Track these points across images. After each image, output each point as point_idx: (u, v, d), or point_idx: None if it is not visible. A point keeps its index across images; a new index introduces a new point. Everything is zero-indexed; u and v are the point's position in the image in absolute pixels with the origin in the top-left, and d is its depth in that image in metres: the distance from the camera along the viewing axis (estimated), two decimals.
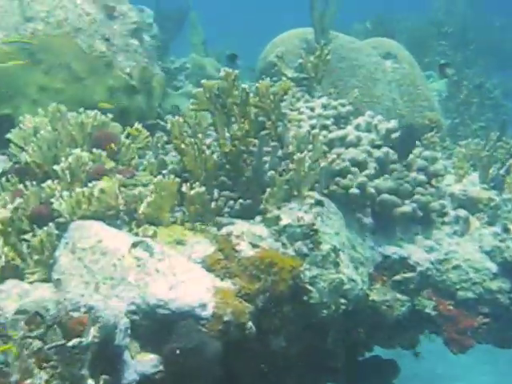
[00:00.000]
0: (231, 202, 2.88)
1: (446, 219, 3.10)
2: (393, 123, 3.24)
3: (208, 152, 2.72)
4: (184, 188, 2.66)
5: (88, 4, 3.46)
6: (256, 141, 2.92)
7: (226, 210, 2.87)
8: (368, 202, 2.99)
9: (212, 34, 9.95)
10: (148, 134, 3.28)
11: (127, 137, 3.21)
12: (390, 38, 5.12)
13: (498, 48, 10.67)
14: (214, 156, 2.74)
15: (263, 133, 2.79)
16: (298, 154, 2.70)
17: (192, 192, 2.66)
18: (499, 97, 8.68)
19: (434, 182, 3.15)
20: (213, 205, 2.83)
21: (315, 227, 2.66)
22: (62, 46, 3.33)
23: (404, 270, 2.94)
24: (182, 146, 2.73)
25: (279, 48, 4.16)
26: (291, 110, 3.53)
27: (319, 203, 2.76)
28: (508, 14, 11.18)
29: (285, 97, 3.51)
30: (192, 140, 2.74)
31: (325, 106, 3.44)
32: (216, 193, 2.91)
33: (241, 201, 2.85)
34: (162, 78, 4.03)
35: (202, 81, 2.85)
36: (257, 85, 3.10)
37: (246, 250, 2.50)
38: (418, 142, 3.32)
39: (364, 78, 4.08)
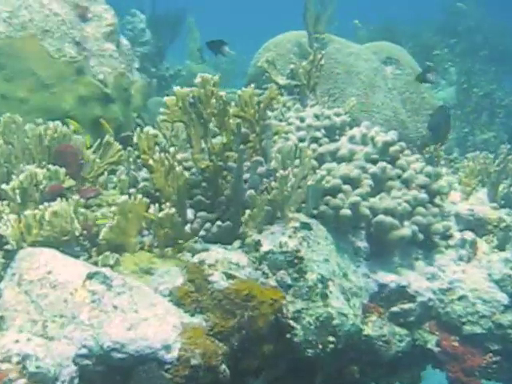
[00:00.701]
0: (208, 225, 2.60)
1: (451, 242, 2.80)
2: (391, 135, 2.96)
3: (179, 169, 2.44)
4: (151, 210, 2.38)
5: (57, 4, 3.19)
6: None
7: (202, 233, 2.60)
8: (362, 224, 2.70)
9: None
10: (121, 147, 3.00)
11: (97, 149, 2.94)
12: (395, 43, 4.86)
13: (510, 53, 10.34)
14: (186, 173, 2.45)
15: (243, 147, 2.50)
16: (281, 171, 2.41)
17: (160, 214, 2.38)
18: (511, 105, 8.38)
19: (437, 200, 2.85)
20: (187, 228, 2.56)
21: (300, 254, 2.37)
22: (26, 50, 3.07)
23: (403, 301, 2.64)
24: (151, 161, 2.45)
25: (270, 52, 3.89)
26: (280, 120, 3.25)
27: (306, 226, 2.48)
28: None
29: (276, 105, 3.24)
30: (162, 155, 2.46)
31: (317, 116, 3.16)
32: (191, 214, 2.64)
33: (219, 223, 2.58)
34: (143, 86, 3.76)
35: (175, 88, 2.57)
36: (239, 92, 2.82)
37: (219, 281, 2.21)
38: (419, 156, 3.03)
39: (362, 85, 3.80)
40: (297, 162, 2.65)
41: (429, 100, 4.04)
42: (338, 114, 3.23)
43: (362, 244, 2.70)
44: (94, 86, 3.32)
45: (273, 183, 2.49)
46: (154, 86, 6.93)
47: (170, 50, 7.80)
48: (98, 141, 2.95)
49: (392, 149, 2.91)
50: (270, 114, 3.15)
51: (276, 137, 2.95)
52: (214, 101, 2.58)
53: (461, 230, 2.94)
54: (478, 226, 2.90)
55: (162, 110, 2.57)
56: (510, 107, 8.32)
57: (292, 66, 3.58)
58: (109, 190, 2.85)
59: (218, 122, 2.59)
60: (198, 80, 2.60)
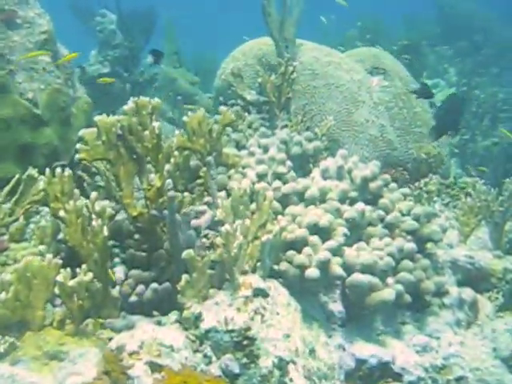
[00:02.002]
0: (141, 288, 2.10)
1: (446, 301, 2.30)
2: (372, 167, 2.45)
3: (97, 223, 1.93)
4: (59, 277, 1.88)
5: None
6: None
7: (134, 298, 2.10)
8: (336, 282, 2.20)
9: (189, 42, 9.22)
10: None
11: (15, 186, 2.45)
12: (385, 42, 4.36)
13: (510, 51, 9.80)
14: (105, 230, 1.95)
15: (171, 193, 2.00)
16: (227, 226, 1.91)
17: (71, 283, 1.87)
18: None
19: (428, 248, 2.35)
20: (114, 291, 2.06)
21: (251, 333, 1.87)
22: None
23: (386, 380, 2.14)
24: (62, 212, 1.95)
25: (237, 62, 3.38)
26: (243, 146, 2.76)
27: (261, 293, 1.97)
28: None
29: (241, 126, 2.74)
30: (78, 204, 1.96)
31: (286, 142, 2.66)
32: (122, 272, 2.14)
33: (154, 285, 2.08)
34: (87, 103, 3.25)
35: (96, 117, 2.07)
36: (185, 119, 2.33)
37: (142, 376, 1.71)
38: (407, 191, 2.53)
39: (344, 100, 3.30)
40: (253, 206, 2.15)
41: (422, 115, 3.53)
42: (310, 139, 2.73)
43: (336, 307, 2.20)
44: (21, 107, 2.82)
45: (218, 239, 1.98)
46: (127, 91, 6.45)
47: (146, 51, 7.31)
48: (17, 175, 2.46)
49: (373, 185, 2.41)
50: (227, 139, 2.65)
51: (232, 171, 2.45)
52: (147, 133, 2.07)
53: (458, 282, 2.44)
54: (478, 277, 2.40)
55: (78, 146, 2.06)
56: None
57: (259, 79, 3.08)
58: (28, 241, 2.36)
59: (153, 159, 2.08)
60: (128, 106, 2.09)
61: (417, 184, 2.69)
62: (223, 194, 2.13)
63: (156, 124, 2.04)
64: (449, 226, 2.44)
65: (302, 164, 2.70)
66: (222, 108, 2.53)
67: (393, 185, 2.54)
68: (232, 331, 1.86)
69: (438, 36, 9.46)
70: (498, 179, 5.55)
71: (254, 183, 2.33)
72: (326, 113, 3.25)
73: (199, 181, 2.39)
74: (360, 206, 2.29)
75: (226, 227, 1.91)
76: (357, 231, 2.28)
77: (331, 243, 2.13)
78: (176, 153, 2.40)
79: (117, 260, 2.20)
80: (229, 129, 2.98)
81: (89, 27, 6.68)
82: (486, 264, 2.44)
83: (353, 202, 2.39)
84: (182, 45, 7.74)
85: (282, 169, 2.41)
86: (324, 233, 2.16)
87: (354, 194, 2.40)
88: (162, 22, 7.46)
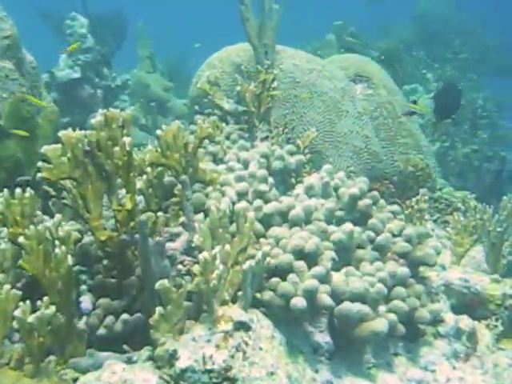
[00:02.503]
0: (110, 319, 1.92)
1: (442, 329, 2.15)
2: (360, 184, 2.30)
3: (61, 250, 1.74)
4: (18, 311, 1.68)
5: None
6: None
7: (102, 331, 1.91)
8: (323, 310, 2.04)
9: (164, 45, 9.01)
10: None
11: None
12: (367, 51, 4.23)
13: (487, 56, 9.80)
14: (69, 259, 1.76)
15: (143, 217, 1.81)
16: (204, 254, 1.73)
17: (31, 318, 1.68)
18: (494, 115, 7.80)
19: (421, 271, 2.20)
20: (80, 323, 1.87)
21: (232, 373, 1.70)
22: None
23: None
24: (21, 239, 1.75)
25: (213, 70, 3.21)
26: (221, 160, 2.59)
27: (242, 327, 1.80)
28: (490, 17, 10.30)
29: (218, 138, 2.57)
30: (39, 229, 1.76)
31: (266, 156, 2.49)
32: (88, 302, 1.95)
33: (125, 316, 1.89)
34: (55, 113, 3.04)
35: (61, 132, 1.88)
36: (158, 132, 2.15)
37: None
38: (397, 209, 2.38)
39: (326, 110, 3.14)
40: (233, 228, 1.98)
41: (407, 125, 3.39)
42: (292, 153, 2.57)
43: (323, 338, 2.04)
44: None
45: (195, 267, 1.80)
46: (98, 98, 6.23)
47: (118, 56, 7.11)
48: None
49: (361, 203, 2.25)
50: (204, 151, 2.48)
51: (210, 189, 2.27)
52: (117, 149, 1.89)
53: (452, 307, 2.30)
54: (475, 302, 2.25)
55: (40, 164, 1.86)
56: (492, 117, 7.76)
57: (238, 87, 2.91)
58: None
59: (123, 178, 1.90)
60: (96, 119, 1.91)
61: (408, 202, 2.54)
62: (201, 216, 1.95)
63: (127, 139, 1.86)
64: (441, 247, 2.29)
65: (284, 179, 2.53)
66: (199, 121, 2.35)
67: (381, 202, 2.39)
68: (211, 371, 1.68)
69: (414, 41, 9.41)
70: (485, 192, 5.47)
71: (233, 203, 2.15)
72: (308, 123, 3.09)
73: (174, 199, 2.21)
74: (348, 226, 2.13)
75: (204, 255, 1.73)
76: (345, 254, 2.12)
77: (318, 269, 1.96)
78: (149, 169, 2.23)
79: (84, 287, 2.01)
80: (205, 140, 2.81)
81: (58, 31, 6.46)
82: (483, 288, 2.29)
83: (340, 221, 2.23)
84: (157, 49, 7.53)
85: (263, 187, 2.24)
86: (310, 257, 2.00)
87: (341, 213, 2.24)
88: (135, 26, 7.27)
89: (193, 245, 1.89)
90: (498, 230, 2.40)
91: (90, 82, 6.14)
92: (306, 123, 3.10)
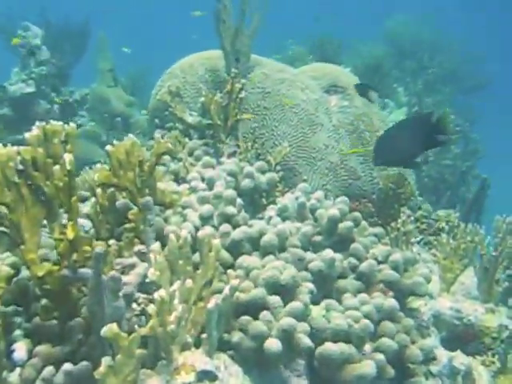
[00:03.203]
0: (50, 370, 1.62)
1: (434, 368, 1.90)
2: (341, 205, 2.06)
3: None
4: None
5: None
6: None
7: None
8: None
9: (126, 57, 8.71)
10: None
11: None
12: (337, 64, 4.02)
13: (458, 70, 9.72)
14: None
15: (98, 249, 1.54)
16: (161, 292, 1.46)
17: None
18: (467, 130, 7.69)
19: (409, 303, 1.96)
20: (13, 378, 1.58)
21: None
22: None
23: None
24: None
25: (175, 80, 2.95)
26: (183, 179, 2.32)
27: (207, 377, 1.53)
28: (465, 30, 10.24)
29: (181, 154, 2.32)
30: None
31: (235, 175, 2.23)
32: (23, 350, 1.66)
33: (68, 366, 1.60)
34: None
35: None
36: (108, 148, 1.88)
37: None
38: (380, 231, 2.14)
39: (299, 123, 2.91)
40: (197, 257, 1.71)
41: None
42: (263, 171, 2.31)
43: (302, 381, 1.77)
44: None
45: (151, 307, 1.53)
46: (55, 113, 5.93)
47: (78, 70, 6.80)
48: None
49: (343, 226, 2.00)
50: (163, 169, 2.22)
51: (169, 212, 2.00)
52: (57, 168, 1.61)
53: (442, 340, 2.06)
54: (468, 335, 2.01)
55: None
56: (465, 132, 7.65)
57: (202, 98, 2.65)
58: None
59: (64, 203, 1.62)
60: (32, 133, 1.63)
61: (393, 224, 2.30)
62: (157, 245, 1.67)
63: (67, 156, 1.58)
64: (430, 274, 2.05)
65: (255, 200, 2.28)
66: (157, 135, 2.09)
67: (364, 224, 2.15)
68: None
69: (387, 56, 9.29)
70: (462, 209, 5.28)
71: (196, 228, 1.89)
72: (280, 137, 2.85)
73: (128, 225, 1.93)
74: (328, 253, 1.88)
75: (161, 293, 1.46)
76: (325, 285, 1.87)
77: (296, 305, 1.70)
78: (99, 190, 1.95)
79: (18, 333, 1.71)
80: (166, 157, 2.55)
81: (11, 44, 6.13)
82: (477, 319, 2.06)
83: (318, 247, 1.99)
84: (119, 61, 7.23)
85: (231, 209, 1.98)
86: (286, 291, 1.74)
87: (319, 237, 2.00)
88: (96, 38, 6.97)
89: (147, 280, 1.61)
90: (493, 254, 2.18)
91: (46, 96, 5.84)
92: (277, 137, 2.86)
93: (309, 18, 10.61)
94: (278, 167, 2.62)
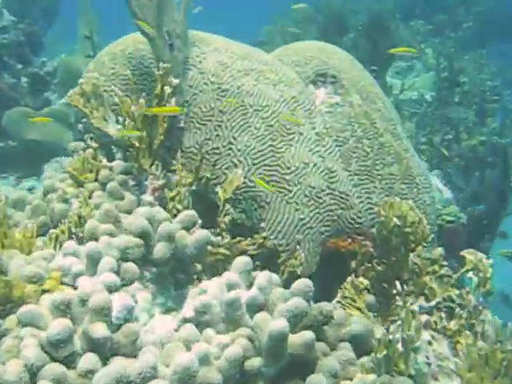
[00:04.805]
0: None
1: None
2: (294, 301, 1.28)
3: None
4: None
5: None
6: None
7: None
8: None
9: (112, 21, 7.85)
10: None
11: None
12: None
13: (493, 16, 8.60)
14: None
15: None
16: None
17: None
18: (505, 98, 6.75)
19: None
20: None
21: None
22: None
23: None
24: None
25: (94, 74, 2.17)
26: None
27: None
28: None
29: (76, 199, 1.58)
30: None
31: (142, 234, 1.47)
32: None
33: None
34: None
35: None
36: None
37: None
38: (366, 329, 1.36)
39: (268, 133, 2.12)
40: None
41: (391, 146, 2.37)
42: (190, 223, 1.55)
43: None
44: None
45: None
46: (23, 89, 5.21)
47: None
48: None
49: (296, 341, 1.24)
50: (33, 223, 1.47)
51: (8, 324, 1.25)
52: None
53: None
54: None
55: None
56: (504, 101, 6.72)
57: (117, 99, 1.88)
58: None
59: None
60: None
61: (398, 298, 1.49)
62: None
63: None
64: None
65: (174, 273, 1.51)
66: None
67: (339, 316, 1.38)
68: None
69: (407, 8, 8.24)
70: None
71: (31, 372, 1.13)
72: (240, 154, 2.07)
73: None
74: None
75: None
76: None
77: None
78: None
79: None
80: (70, 190, 1.81)
81: None
82: None
83: (255, 380, 1.22)
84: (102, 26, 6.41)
85: (99, 331, 1.21)
86: None
87: (257, 363, 1.23)
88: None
89: None
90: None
91: (10, 69, 5.11)
92: (236, 154, 2.07)
93: None
94: (228, 207, 1.85)
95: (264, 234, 1.86)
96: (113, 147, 2.02)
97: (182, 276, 1.56)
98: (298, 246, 1.90)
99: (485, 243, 3.90)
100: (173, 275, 1.55)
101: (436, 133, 6.06)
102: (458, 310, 1.88)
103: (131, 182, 1.85)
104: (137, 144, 1.79)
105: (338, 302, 2.06)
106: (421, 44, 7.90)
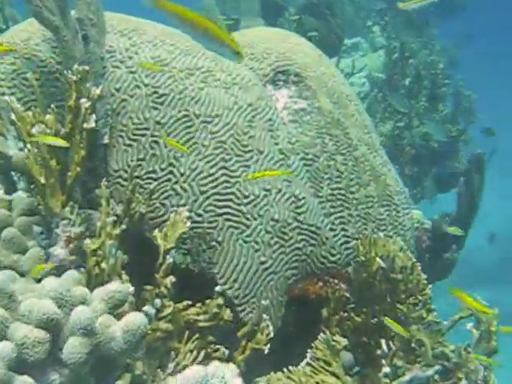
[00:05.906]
0: None
1: None
2: None
3: None
4: None
5: None
6: None
7: None
8: None
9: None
10: None
11: None
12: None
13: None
14: None
15: None
16: None
17: None
18: (458, 83, 6.48)
19: None
20: None
21: None
22: None
23: None
24: None
25: None
26: None
27: None
28: None
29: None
30: None
31: (47, 322, 0.99)
32: None
33: None
34: None
35: None
36: None
37: None
38: None
39: (219, 152, 1.68)
40: None
41: (368, 161, 1.96)
42: (116, 304, 1.09)
43: None
44: None
45: None
46: None
47: None
48: None
49: None
50: None
51: None
52: None
53: None
54: None
55: None
56: (457, 86, 6.45)
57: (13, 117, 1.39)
58: None
59: None
60: None
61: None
62: None
63: None
64: None
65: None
66: None
67: None
68: None
69: None
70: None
71: None
72: (183, 179, 1.61)
73: None
74: None
75: None
76: None
77: None
78: None
79: None
80: None
81: None
82: None
83: None
84: None
85: None
86: None
87: None
88: None
89: None
90: None
91: None
92: (179, 180, 1.62)
93: None
94: (168, 256, 1.39)
95: (220, 301, 1.41)
96: (12, 173, 1.52)
97: (107, 376, 1.11)
98: (264, 316, 1.46)
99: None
100: (94, 375, 1.10)
101: (387, 120, 5.75)
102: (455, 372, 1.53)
103: (37, 229, 1.36)
104: (41, 180, 1.30)
105: (308, 364, 1.67)
106: (367, 21, 7.57)
